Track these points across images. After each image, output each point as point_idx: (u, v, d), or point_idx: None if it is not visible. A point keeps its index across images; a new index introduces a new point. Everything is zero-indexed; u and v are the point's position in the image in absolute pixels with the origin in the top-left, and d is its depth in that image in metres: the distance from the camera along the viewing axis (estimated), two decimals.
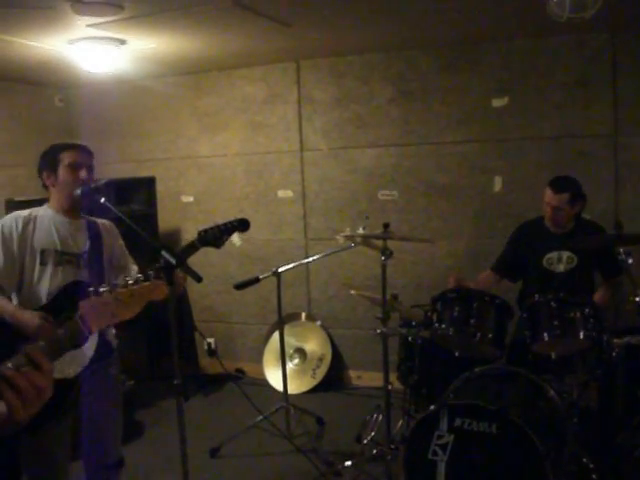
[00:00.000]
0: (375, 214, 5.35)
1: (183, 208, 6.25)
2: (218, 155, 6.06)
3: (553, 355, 3.64)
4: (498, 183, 5.19)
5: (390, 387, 3.95)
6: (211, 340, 6.18)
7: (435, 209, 5.40)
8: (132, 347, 5.34)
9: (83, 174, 2.95)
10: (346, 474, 4.06)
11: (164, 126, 6.21)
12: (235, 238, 3.40)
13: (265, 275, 4.45)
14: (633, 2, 3.87)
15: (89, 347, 2.86)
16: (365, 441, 4.25)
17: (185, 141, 6.17)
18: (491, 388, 3.58)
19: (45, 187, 3.06)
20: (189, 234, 6.13)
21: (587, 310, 3.57)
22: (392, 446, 3.88)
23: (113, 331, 3.15)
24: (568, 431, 3.45)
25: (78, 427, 3.00)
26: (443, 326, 3.81)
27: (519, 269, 4.41)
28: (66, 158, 2.96)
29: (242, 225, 3.26)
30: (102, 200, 2.88)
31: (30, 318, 2.66)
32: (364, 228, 4.24)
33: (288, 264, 4.58)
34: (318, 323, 5.86)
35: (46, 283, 2.88)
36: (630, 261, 3.35)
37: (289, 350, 5.68)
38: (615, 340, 3.43)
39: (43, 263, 2.89)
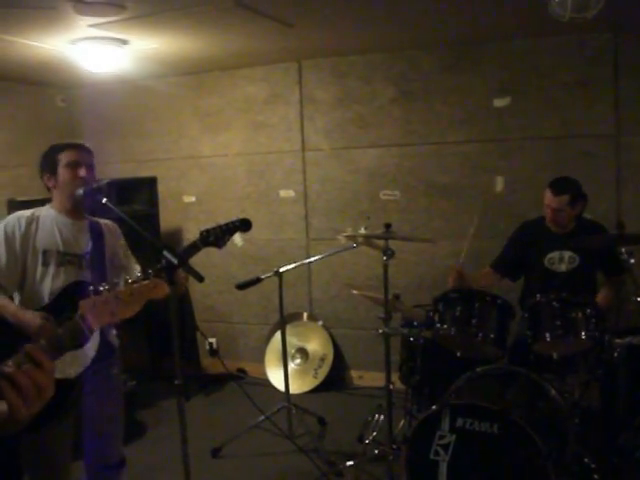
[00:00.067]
0: (377, 214, 5.35)
1: (185, 208, 6.25)
2: (220, 155, 6.06)
3: (555, 355, 3.63)
4: (500, 183, 5.19)
5: (392, 387, 3.95)
6: (213, 340, 6.19)
7: (437, 209, 5.40)
8: (134, 347, 5.34)
9: (82, 172, 2.94)
10: (348, 474, 4.06)
11: (166, 126, 6.22)
12: (237, 238, 3.40)
13: (267, 275, 4.45)
14: (635, 2, 3.87)
15: (90, 347, 2.86)
16: (367, 441, 4.24)
17: (187, 141, 6.18)
18: (493, 388, 3.58)
19: (48, 189, 3.06)
20: (191, 234, 6.13)
21: (589, 310, 3.57)
22: (394, 446, 3.88)
23: (114, 332, 3.15)
24: (570, 431, 3.45)
25: (80, 427, 3.01)
26: (445, 326, 3.81)
27: (519, 268, 4.40)
28: (64, 158, 2.96)
29: (244, 225, 3.26)
30: (104, 200, 2.88)
31: (32, 318, 2.66)
32: (366, 228, 4.25)
33: (290, 264, 4.58)
34: (320, 323, 5.86)
35: (48, 283, 2.88)
36: (632, 261, 3.34)
37: (291, 350, 5.69)
38: (617, 340, 3.43)
39: (45, 264, 2.89)
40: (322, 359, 5.74)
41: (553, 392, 3.54)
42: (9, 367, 1.42)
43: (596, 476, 3.50)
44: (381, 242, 3.95)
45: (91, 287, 1.83)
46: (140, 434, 4.83)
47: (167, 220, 6.02)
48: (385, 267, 3.86)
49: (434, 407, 3.33)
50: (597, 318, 3.56)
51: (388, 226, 3.91)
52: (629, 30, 4.69)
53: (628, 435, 3.56)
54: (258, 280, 4.40)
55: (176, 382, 2.82)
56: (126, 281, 1.89)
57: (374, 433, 4.28)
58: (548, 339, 3.58)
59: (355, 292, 4.59)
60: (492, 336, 3.74)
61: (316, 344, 5.82)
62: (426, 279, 5.42)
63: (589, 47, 4.83)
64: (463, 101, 5.23)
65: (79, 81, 5.98)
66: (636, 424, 3.49)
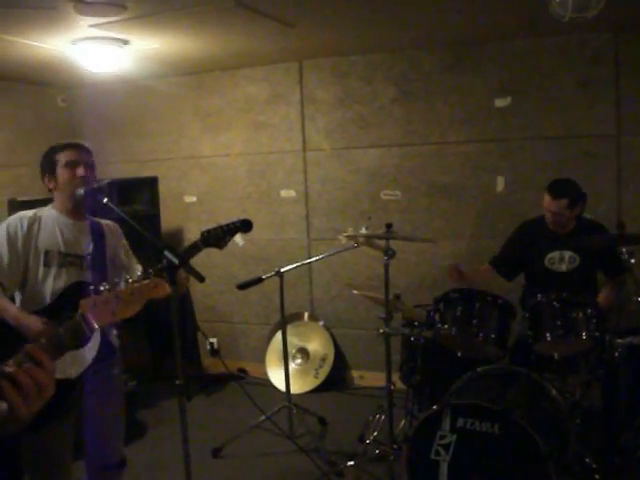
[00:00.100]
0: (378, 214, 5.35)
1: (186, 208, 6.25)
2: (221, 155, 6.06)
3: (556, 355, 3.64)
4: (501, 183, 5.19)
5: (393, 387, 3.95)
6: (214, 340, 6.19)
7: (438, 209, 5.40)
8: (135, 347, 5.35)
9: (80, 172, 2.94)
10: (348, 474, 4.06)
11: (167, 126, 6.22)
12: (238, 238, 3.40)
13: (268, 275, 4.44)
14: (635, 2, 3.86)
15: (91, 347, 2.87)
16: (368, 441, 4.24)
17: (188, 141, 6.18)
18: (494, 388, 3.58)
19: (50, 191, 3.06)
20: (192, 234, 6.14)
21: (590, 310, 3.57)
22: (395, 446, 3.88)
23: (115, 332, 3.15)
24: (571, 431, 3.45)
25: (80, 427, 3.01)
26: (446, 326, 3.81)
27: (517, 268, 4.41)
28: (63, 158, 2.96)
29: (245, 226, 3.26)
30: (105, 200, 2.88)
31: (32, 322, 2.64)
32: (367, 228, 4.25)
33: (291, 264, 4.58)
34: (321, 323, 5.86)
35: (50, 284, 2.88)
36: (632, 261, 3.34)
37: (292, 350, 5.69)
38: (618, 340, 3.43)
39: (47, 264, 2.89)
40: (323, 359, 5.74)
41: (554, 392, 3.55)
42: (10, 366, 1.42)
43: (597, 476, 3.50)
44: (382, 242, 3.95)
45: (92, 287, 1.83)
46: (141, 434, 4.83)
47: (168, 220, 6.02)
48: (386, 267, 3.86)
49: (435, 407, 3.33)
50: (598, 318, 3.56)
51: (389, 226, 3.91)
52: (630, 30, 4.69)
53: (629, 435, 3.57)
54: (259, 280, 4.40)
55: (177, 382, 2.82)
56: (127, 280, 1.89)
57: (375, 433, 4.28)
58: (549, 339, 3.59)
59: (356, 292, 4.59)
60: (493, 336, 3.74)
61: (317, 344, 5.82)
62: (427, 279, 5.42)
63: (590, 47, 4.83)
64: (464, 101, 5.23)
65: (80, 81, 5.99)
66: (637, 424, 3.50)
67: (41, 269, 2.88)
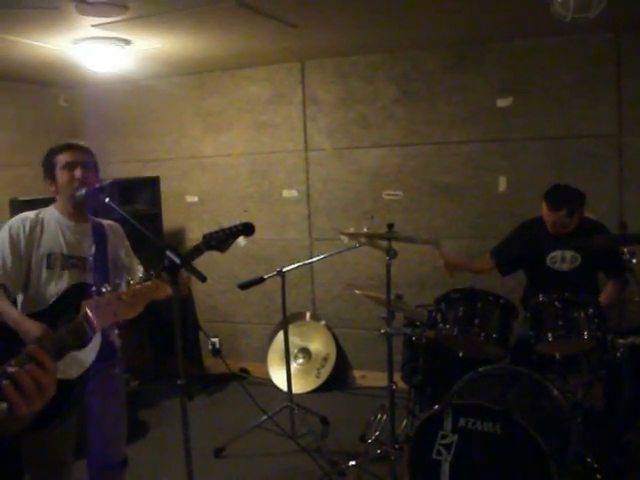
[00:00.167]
0: (379, 214, 5.36)
1: (187, 208, 6.26)
2: (222, 155, 6.07)
3: (557, 355, 3.64)
4: (502, 183, 5.19)
5: (394, 387, 3.95)
6: (215, 340, 6.17)
7: (439, 209, 5.40)
8: (136, 347, 5.36)
9: (78, 173, 2.93)
10: (350, 474, 4.06)
11: (168, 126, 6.22)
12: (240, 238, 3.42)
13: (269, 275, 4.45)
14: (637, 2, 3.86)
15: (92, 348, 2.87)
16: (369, 441, 4.25)
17: (189, 141, 6.18)
18: (495, 388, 3.58)
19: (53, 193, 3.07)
20: (193, 234, 6.15)
21: (591, 310, 3.57)
22: (396, 446, 3.88)
23: (116, 332, 3.15)
24: (572, 431, 3.45)
25: (82, 427, 3.01)
26: (447, 326, 3.81)
27: (515, 265, 4.42)
28: (61, 160, 2.96)
29: (247, 229, 3.27)
30: (106, 200, 2.88)
31: (32, 328, 2.64)
32: (368, 228, 4.25)
33: (292, 264, 4.58)
34: (322, 323, 5.87)
35: (52, 286, 2.88)
36: (634, 261, 3.34)
37: (293, 350, 5.68)
38: (619, 340, 3.43)
39: (49, 267, 2.89)
40: (325, 359, 5.75)
41: (556, 392, 3.55)
42: (12, 367, 1.43)
43: (599, 476, 3.49)
44: (384, 242, 3.95)
45: (94, 288, 1.84)
46: (143, 434, 4.83)
47: (170, 220, 6.02)
48: (388, 267, 3.86)
49: (436, 407, 3.33)
50: (599, 318, 3.56)
51: (391, 226, 3.90)
52: (631, 30, 4.68)
53: (631, 435, 3.57)
54: (261, 280, 4.40)
55: (179, 382, 2.82)
56: (128, 282, 1.90)
57: (377, 433, 4.28)
58: (550, 339, 3.59)
59: (358, 292, 4.60)
60: (494, 336, 3.74)
61: (319, 344, 5.82)
62: (429, 279, 5.42)
63: (591, 47, 4.83)
64: (465, 101, 5.22)
65: (82, 81, 5.99)
66: (639, 424, 3.49)
67: (44, 271, 2.88)
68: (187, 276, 2.83)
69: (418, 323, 4.11)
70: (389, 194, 5.53)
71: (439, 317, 3.86)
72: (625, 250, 3.36)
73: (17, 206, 4.61)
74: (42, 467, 2.86)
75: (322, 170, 5.74)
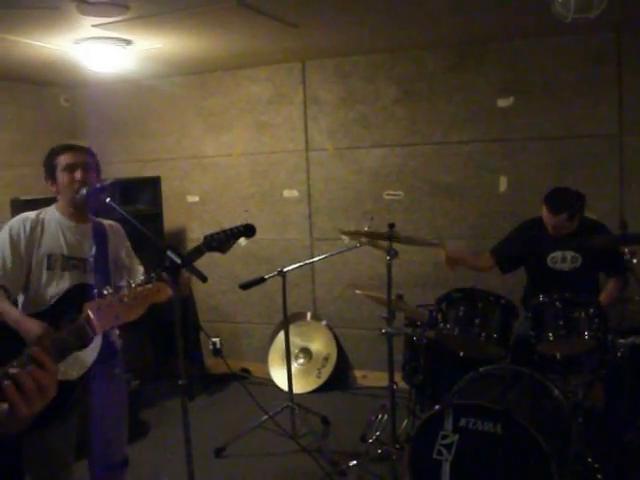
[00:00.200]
0: (380, 214, 5.36)
1: (188, 208, 6.26)
2: (223, 155, 6.07)
3: (558, 355, 3.64)
4: (503, 183, 5.19)
5: (395, 387, 3.95)
6: (216, 340, 6.18)
7: (440, 209, 5.40)
8: (137, 347, 5.36)
9: (78, 175, 2.93)
10: (351, 474, 4.06)
11: (169, 126, 6.23)
12: (240, 239, 3.43)
13: (270, 275, 4.45)
14: (638, 2, 3.86)
15: (93, 348, 2.87)
16: (370, 441, 4.24)
17: (190, 141, 6.19)
18: (496, 388, 3.58)
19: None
20: (194, 234, 6.15)
21: (592, 310, 3.57)
22: (397, 446, 3.88)
23: (117, 332, 3.15)
24: (573, 431, 3.45)
25: (83, 427, 3.01)
26: (448, 326, 3.82)
27: (515, 264, 4.42)
28: (62, 161, 2.96)
29: (248, 231, 3.27)
30: (107, 200, 2.88)
31: (33, 327, 2.64)
32: (369, 228, 4.24)
33: (293, 264, 4.59)
34: (323, 323, 5.87)
35: (53, 287, 2.88)
36: (635, 261, 3.34)
37: (294, 350, 5.68)
38: (620, 340, 3.43)
39: (50, 267, 2.89)
40: (325, 359, 5.75)
41: (556, 392, 3.55)
42: (13, 368, 1.44)
43: (599, 476, 3.50)
44: (384, 242, 3.95)
45: (95, 290, 1.84)
46: (144, 434, 4.84)
47: (171, 220, 6.03)
48: (388, 267, 3.86)
49: (437, 407, 3.33)
50: (600, 318, 3.56)
51: (391, 226, 3.90)
52: (632, 30, 4.69)
53: (632, 435, 3.57)
54: (262, 280, 4.40)
55: (180, 382, 2.82)
56: (129, 284, 1.90)
57: (377, 433, 4.28)
58: (551, 339, 3.59)
59: (358, 292, 4.60)
60: (495, 336, 3.75)
61: (319, 344, 5.82)
62: (429, 279, 5.42)
63: (592, 47, 4.83)
64: (466, 101, 5.22)
65: (83, 81, 6.00)
66: (639, 424, 3.49)
67: (44, 272, 2.88)
68: (188, 276, 2.83)
69: (419, 323, 4.10)
70: (390, 194, 5.53)
71: (440, 317, 3.86)
72: (626, 250, 3.36)
73: (18, 206, 4.62)
74: (43, 467, 2.86)
75: (323, 170, 5.74)
